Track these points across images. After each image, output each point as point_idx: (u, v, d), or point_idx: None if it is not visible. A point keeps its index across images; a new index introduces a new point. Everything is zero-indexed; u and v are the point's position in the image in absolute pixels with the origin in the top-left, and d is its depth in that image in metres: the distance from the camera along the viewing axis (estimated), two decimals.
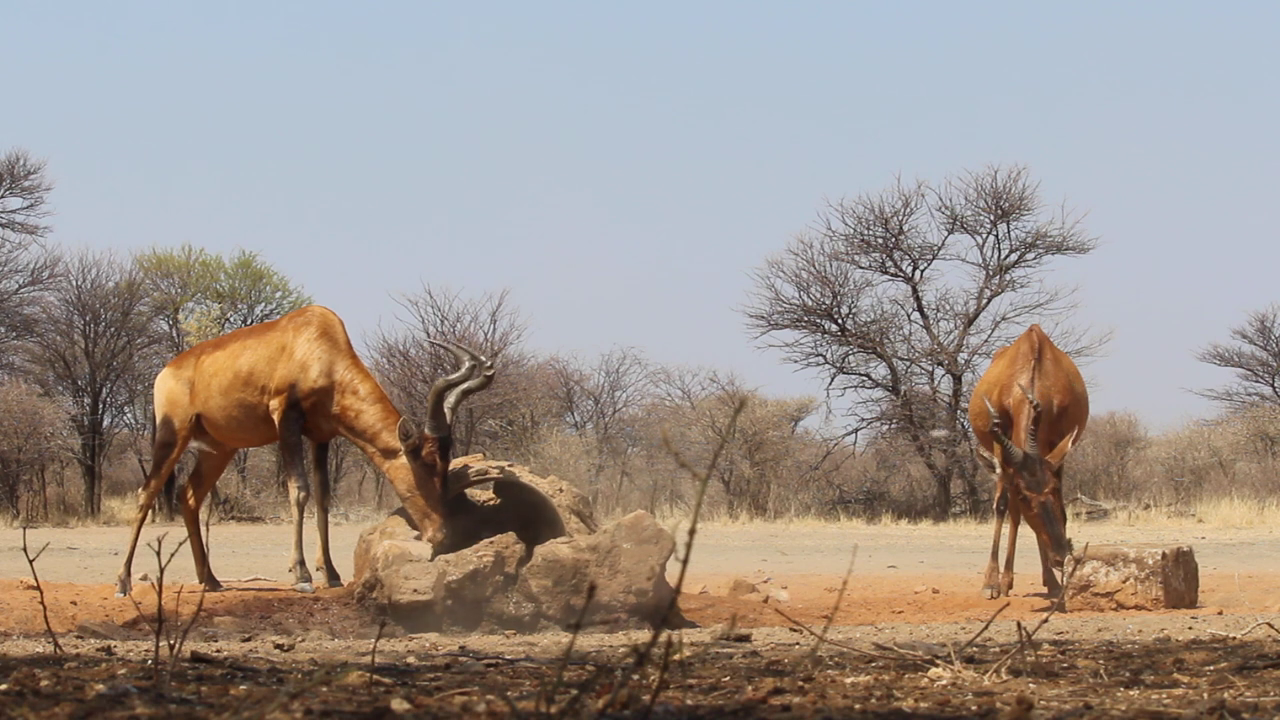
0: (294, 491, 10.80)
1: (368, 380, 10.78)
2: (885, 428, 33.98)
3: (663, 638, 3.31)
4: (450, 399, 10.32)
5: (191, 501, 11.66)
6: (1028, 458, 11.09)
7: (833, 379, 33.84)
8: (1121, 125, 54.65)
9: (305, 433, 10.94)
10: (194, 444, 11.55)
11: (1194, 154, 54.40)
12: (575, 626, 9.63)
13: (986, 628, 5.96)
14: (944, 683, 4.39)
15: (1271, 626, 6.86)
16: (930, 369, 33.39)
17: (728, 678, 4.66)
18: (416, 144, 56.46)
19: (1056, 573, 11.97)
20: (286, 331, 10.99)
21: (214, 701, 3.73)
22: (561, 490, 10.60)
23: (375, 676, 4.26)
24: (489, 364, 10.53)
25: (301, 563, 10.70)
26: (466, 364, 10.42)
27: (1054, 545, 11.10)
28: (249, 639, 8.66)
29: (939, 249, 33.64)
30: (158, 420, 11.49)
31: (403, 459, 10.31)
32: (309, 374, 10.77)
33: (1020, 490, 11.12)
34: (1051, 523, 11.07)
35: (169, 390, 11.38)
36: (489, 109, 56.69)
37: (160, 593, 4.37)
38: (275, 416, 10.84)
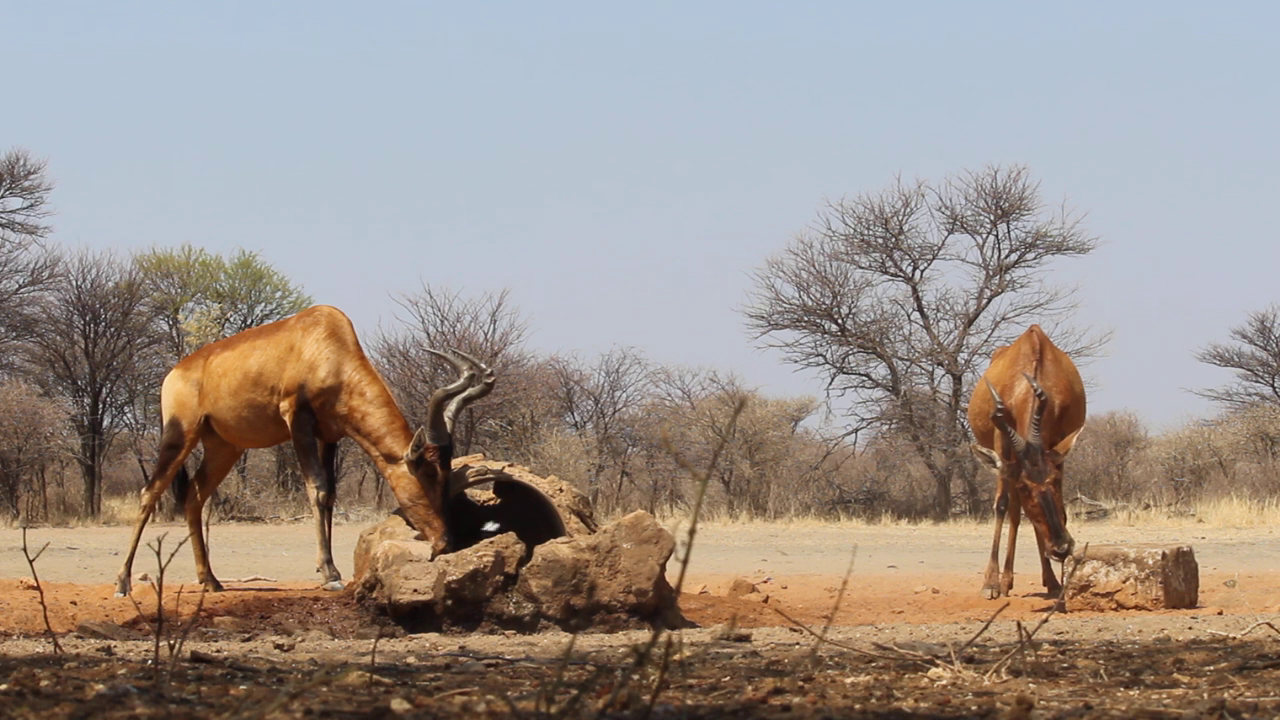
0: (313, 492, 10.79)
1: (375, 383, 10.74)
2: (885, 428, 34.00)
3: (663, 638, 3.31)
4: (450, 408, 10.30)
5: (196, 499, 11.67)
6: (1030, 447, 11.11)
7: (833, 379, 33.87)
8: (1122, 125, 54.66)
9: (315, 432, 10.92)
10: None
11: (1194, 154, 54.42)
12: (575, 626, 9.63)
13: (986, 628, 5.96)
14: (944, 683, 4.39)
15: (1271, 626, 6.86)
16: (930, 369, 33.41)
17: (728, 678, 4.66)
18: (416, 144, 56.48)
19: (1056, 571, 11.98)
20: (295, 331, 10.98)
21: (214, 701, 3.73)
22: (561, 490, 10.60)
23: (375, 676, 4.26)
24: (488, 371, 10.50)
25: (329, 560, 10.69)
26: (466, 373, 10.40)
27: (1052, 535, 11.11)
28: (249, 639, 8.65)
29: (939, 249, 33.67)
30: (165, 421, 11.47)
31: (404, 466, 10.28)
32: (317, 374, 10.75)
33: (1021, 479, 11.14)
34: (1051, 513, 11.09)
35: (177, 392, 11.36)
36: (489, 109, 56.70)
37: (160, 593, 4.37)
38: (287, 418, 10.83)
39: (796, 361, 33.96)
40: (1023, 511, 11.62)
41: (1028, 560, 13.70)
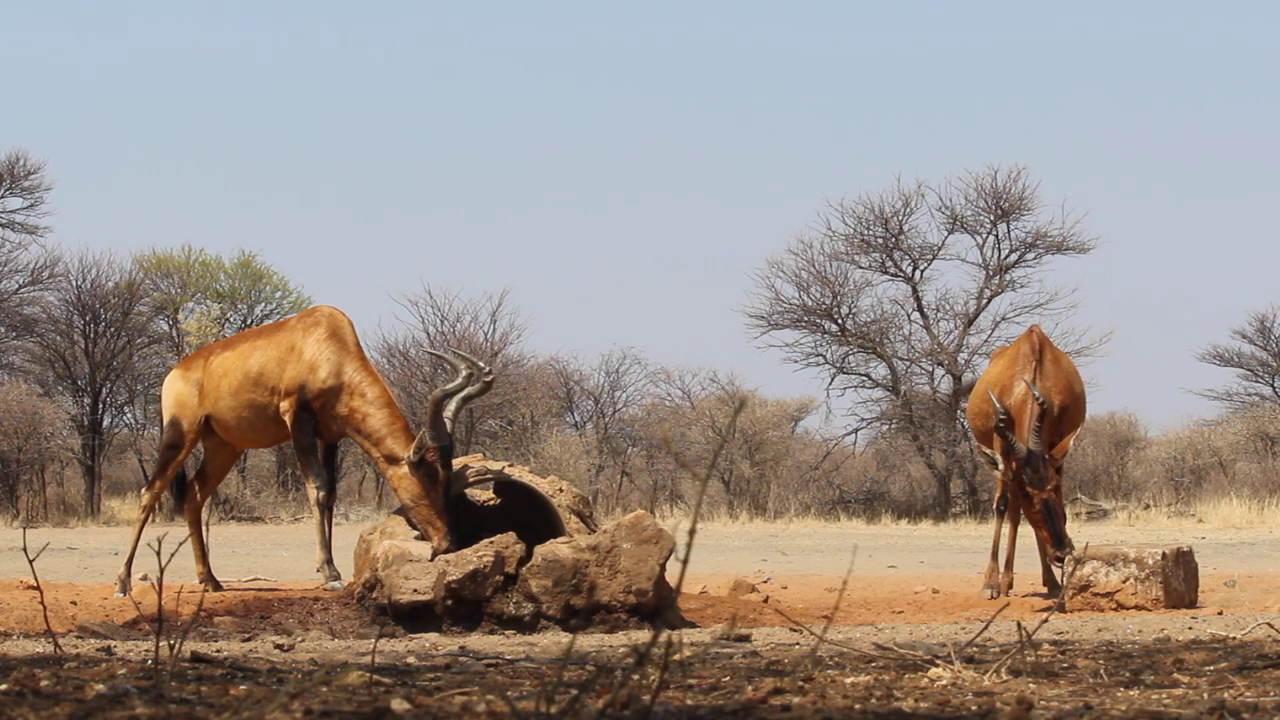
0: (313, 492, 10.81)
1: (376, 384, 10.73)
2: (885, 428, 33.99)
3: (663, 638, 3.31)
4: (450, 408, 10.29)
5: (196, 499, 11.67)
6: (1031, 454, 11.09)
7: (833, 379, 33.86)
8: (1122, 126, 54.67)
9: (315, 433, 10.91)
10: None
11: (1194, 155, 54.42)
12: (575, 627, 9.63)
13: (986, 628, 5.96)
14: (944, 683, 4.39)
15: (1271, 626, 6.86)
16: (930, 369, 33.40)
17: (728, 678, 4.66)
18: (417, 143, 56.47)
19: (1056, 572, 11.97)
20: (295, 331, 10.97)
21: (214, 701, 3.73)
22: (561, 490, 10.59)
23: (375, 676, 4.26)
24: (487, 370, 10.49)
25: (329, 560, 10.69)
26: (464, 372, 10.39)
27: (1054, 542, 11.11)
28: (249, 639, 8.65)
29: (939, 249, 33.66)
30: (165, 421, 11.47)
31: (405, 466, 10.27)
32: (318, 374, 10.74)
33: (1023, 486, 11.13)
34: (1053, 519, 11.08)
35: (177, 392, 11.35)
36: (489, 108, 56.70)
37: (160, 593, 4.37)
38: (287, 418, 10.83)
39: (796, 361, 33.98)
40: (1023, 513, 11.61)
41: (1028, 560, 13.70)
